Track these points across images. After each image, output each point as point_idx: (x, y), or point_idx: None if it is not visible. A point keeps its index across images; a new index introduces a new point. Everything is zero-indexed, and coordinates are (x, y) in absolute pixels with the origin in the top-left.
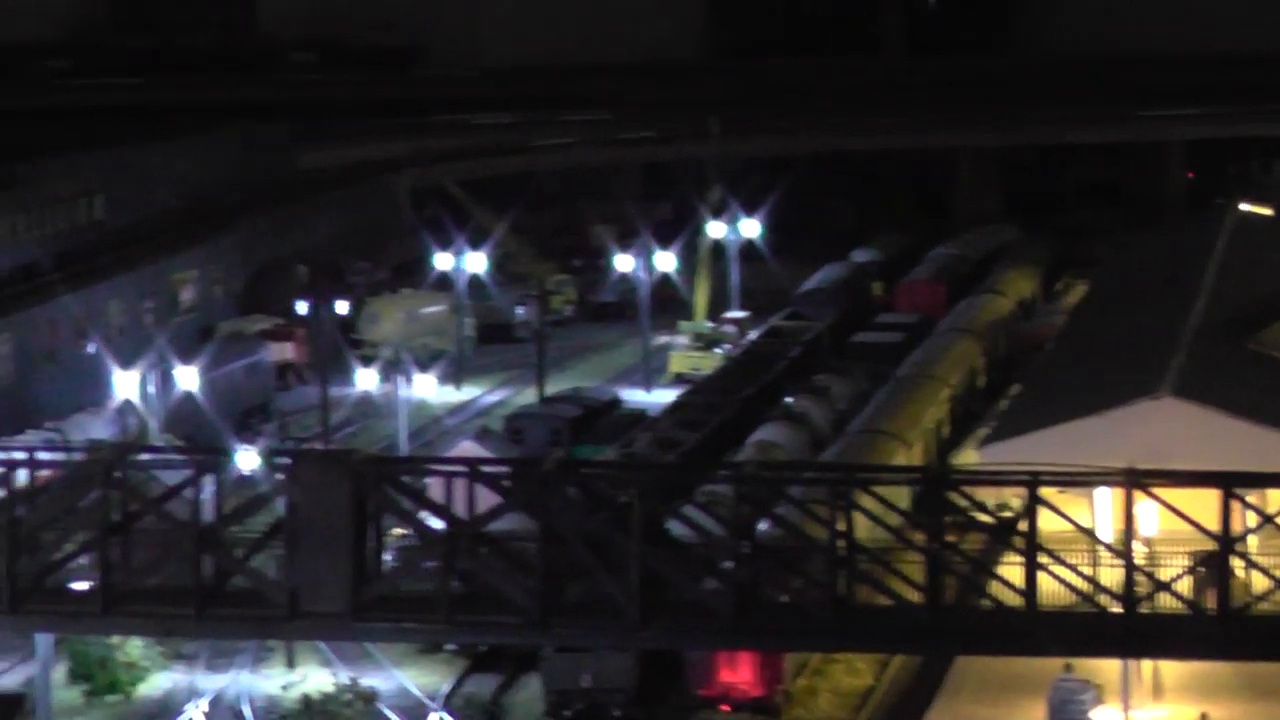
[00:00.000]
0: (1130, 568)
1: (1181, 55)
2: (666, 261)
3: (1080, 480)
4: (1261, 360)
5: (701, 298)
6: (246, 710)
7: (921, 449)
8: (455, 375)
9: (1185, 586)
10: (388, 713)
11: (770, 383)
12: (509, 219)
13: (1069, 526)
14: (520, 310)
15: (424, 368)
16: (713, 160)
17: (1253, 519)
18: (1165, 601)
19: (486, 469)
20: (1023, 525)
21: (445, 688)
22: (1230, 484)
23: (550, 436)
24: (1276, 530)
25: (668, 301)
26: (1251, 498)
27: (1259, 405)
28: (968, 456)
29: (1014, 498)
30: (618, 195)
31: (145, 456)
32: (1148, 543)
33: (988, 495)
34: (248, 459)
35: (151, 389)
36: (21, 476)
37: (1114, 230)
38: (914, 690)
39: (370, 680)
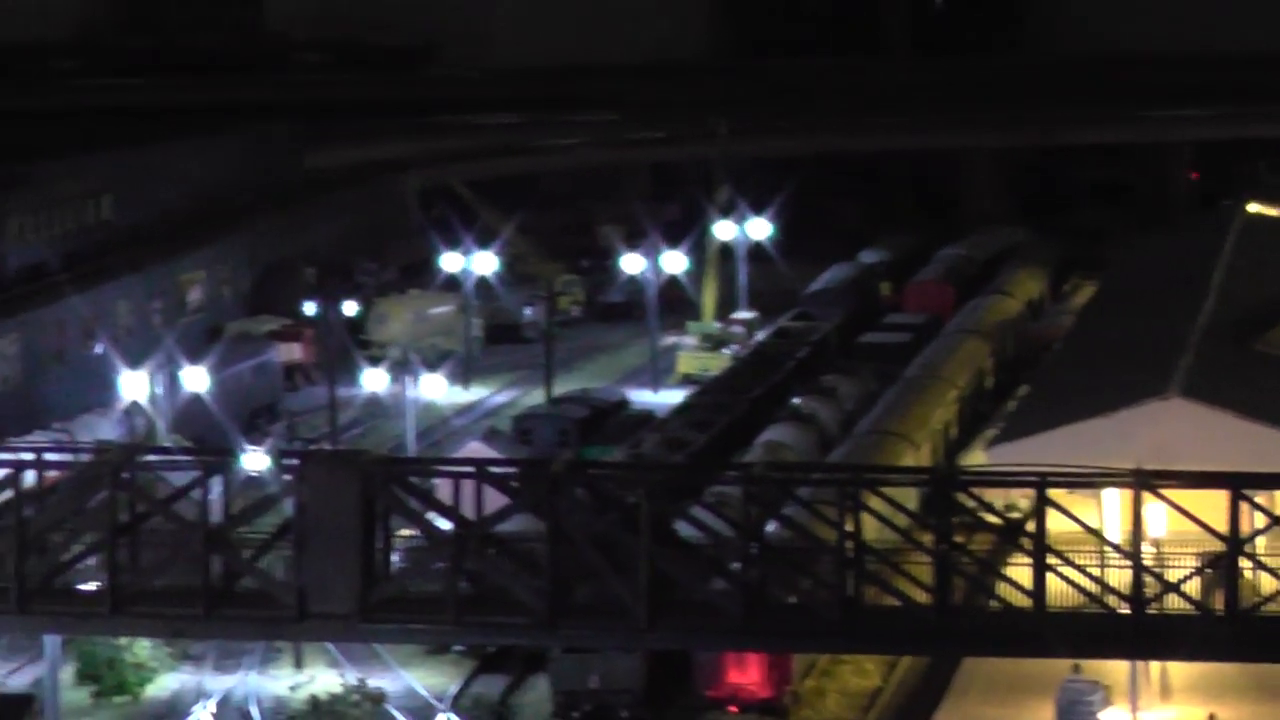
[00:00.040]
0: (1138, 569)
1: (1187, 56)
2: (674, 262)
3: (1088, 481)
4: (1270, 361)
5: (709, 298)
6: (254, 711)
7: (929, 450)
8: (463, 376)
9: (1193, 587)
10: (395, 714)
11: (778, 383)
12: (517, 219)
13: (1077, 527)
14: (528, 311)
15: (432, 368)
16: (720, 161)
17: (1261, 520)
18: (1173, 602)
19: (494, 470)
20: (1031, 526)
21: (453, 689)
22: (1239, 485)
23: (558, 437)
24: None
25: (676, 302)
26: (1260, 499)
27: (1267, 406)
28: (976, 457)
29: (1022, 499)
30: (626, 196)
31: (153, 457)
32: (1156, 544)
33: (996, 496)
34: (256, 460)
35: (159, 390)
36: (30, 477)
37: (1122, 231)
38: (922, 691)
39: (378, 681)
